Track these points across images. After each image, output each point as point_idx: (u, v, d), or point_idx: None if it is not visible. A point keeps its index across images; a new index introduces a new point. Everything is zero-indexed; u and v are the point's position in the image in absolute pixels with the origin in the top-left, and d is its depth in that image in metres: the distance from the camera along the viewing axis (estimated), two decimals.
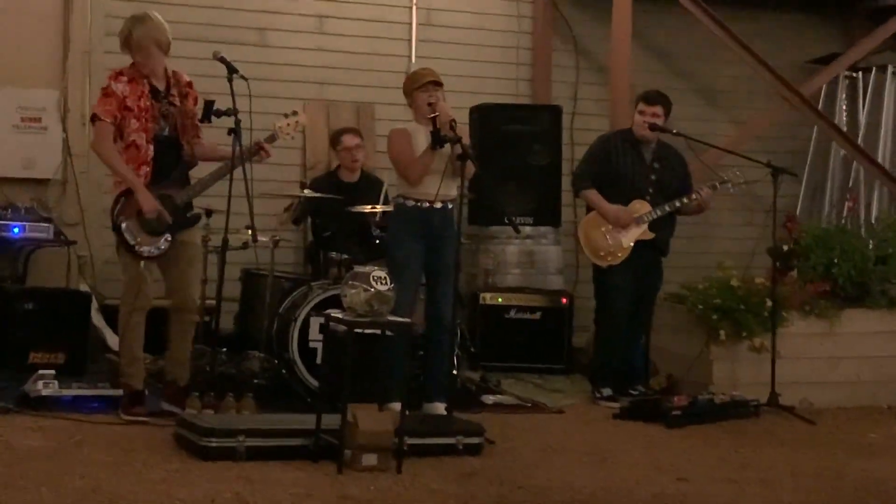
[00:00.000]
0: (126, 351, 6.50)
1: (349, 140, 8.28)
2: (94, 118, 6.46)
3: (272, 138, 6.59)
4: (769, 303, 7.59)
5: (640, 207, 7.63)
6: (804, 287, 7.96)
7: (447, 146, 6.67)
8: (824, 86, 10.16)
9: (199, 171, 6.64)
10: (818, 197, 10.44)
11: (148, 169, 6.41)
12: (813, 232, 8.34)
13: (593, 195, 7.69)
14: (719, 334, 7.60)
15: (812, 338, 7.87)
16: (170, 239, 6.46)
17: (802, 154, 10.42)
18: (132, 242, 6.39)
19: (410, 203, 6.85)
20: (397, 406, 6.13)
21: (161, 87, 6.49)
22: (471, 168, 6.66)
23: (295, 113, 6.71)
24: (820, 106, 10.07)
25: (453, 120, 6.65)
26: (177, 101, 6.50)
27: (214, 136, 6.68)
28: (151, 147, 6.41)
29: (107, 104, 6.40)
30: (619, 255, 7.61)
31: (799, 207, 10.21)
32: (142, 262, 6.41)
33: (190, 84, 6.59)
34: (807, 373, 7.78)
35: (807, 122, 10.14)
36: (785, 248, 8.08)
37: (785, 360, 7.57)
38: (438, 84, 6.83)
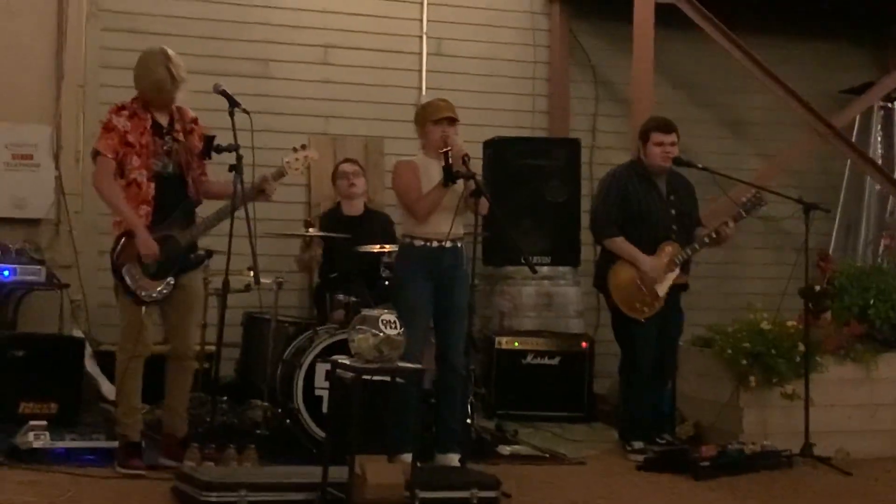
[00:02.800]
0: (123, 400, 6.51)
1: (346, 166, 8.34)
2: (96, 154, 6.49)
3: (280, 174, 6.58)
4: (802, 347, 7.56)
5: (672, 250, 7.57)
6: (839, 330, 7.93)
7: (459, 182, 6.69)
8: (858, 116, 10.17)
9: (203, 210, 6.67)
10: (852, 234, 10.43)
11: (148, 208, 6.43)
12: (847, 271, 8.32)
13: (623, 243, 7.53)
14: (749, 380, 7.57)
15: (848, 384, 7.83)
16: (172, 282, 6.47)
17: (835, 189, 10.42)
18: (133, 287, 6.41)
19: (419, 242, 6.85)
20: (408, 457, 6.11)
21: (164, 122, 6.53)
22: (485, 205, 6.68)
23: (304, 147, 6.67)
24: (853, 138, 10.08)
25: (466, 154, 6.67)
26: (181, 136, 6.54)
27: (215, 172, 6.71)
28: (153, 185, 6.44)
29: (108, 139, 6.43)
30: (656, 304, 7.52)
31: (832, 245, 10.20)
32: (143, 308, 6.42)
33: (195, 120, 6.63)
34: (842, 421, 7.74)
35: (839, 155, 10.15)
36: (818, 288, 8.05)
37: (819, 407, 7.54)
38: (455, 121, 6.86)
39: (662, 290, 7.54)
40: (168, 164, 6.51)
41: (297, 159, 6.60)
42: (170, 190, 6.49)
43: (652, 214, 7.59)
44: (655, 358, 7.61)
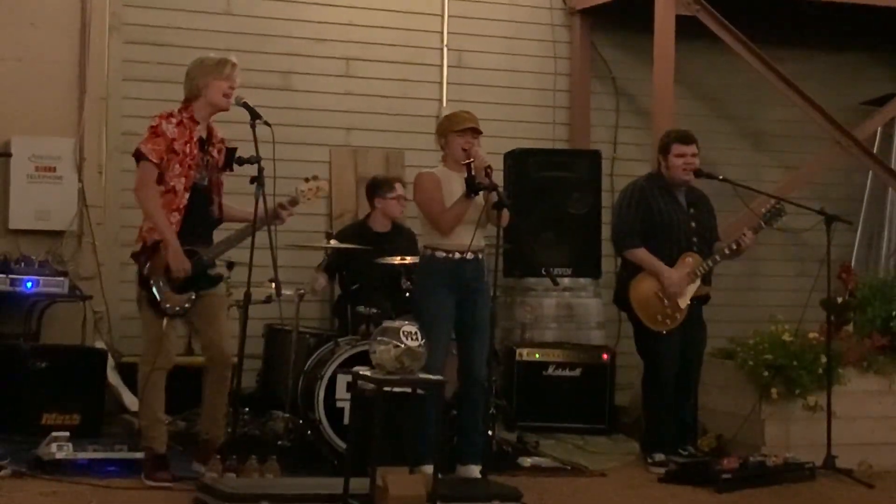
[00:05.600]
0: (147, 412, 6.51)
1: (402, 189, 8.27)
2: (140, 157, 6.44)
3: (293, 202, 6.64)
4: (824, 359, 7.54)
5: (692, 262, 7.54)
6: (861, 342, 7.91)
7: (481, 194, 6.69)
8: (880, 128, 10.14)
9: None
10: (874, 245, 10.40)
11: (179, 217, 6.42)
12: (870, 283, 8.30)
13: (644, 254, 7.51)
14: (771, 392, 7.55)
15: (870, 396, 7.81)
16: (194, 297, 6.48)
17: (857, 200, 10.39)
18: (160, 299, 6.42)
19: (441, 254, 6.85)
20: (429, 469, 6.11)
21: (205, 135, 6.55)
22: (506, 217, 6.68)
23: (316, 178, 6.72)
24: (875, 149, 10.04)
25: (489, 166, 6.68)
26: (214, 153, 6.56)
27: (238, 184, 6.72)
28: (187, 195, 6.44)
29: (155, 144, 6.40)
30: (678, 316, 7.50)
31: (854, 257, 10.17)
32: (164, 320, 6.43)
33: (223, 141, 6.63)
34: (865, 433, 7.71)
35: (861, 167, 10.12)
36: (840, 300, 8.04)
37: (841, 419, 7.51)
38: (479, 132, 6.86)
39: (684, 302, 7.51)
40: (204, 178, 6.52)
41: (310, 189, 6.66)
42: (200, 203, 6.50)
43: (673, 227, 7.57)
44: (679, 371, 7.59)
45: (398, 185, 8.28)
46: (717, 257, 7.59)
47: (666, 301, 7.49)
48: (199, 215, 6.50)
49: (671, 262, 7.53)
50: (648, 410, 7.71)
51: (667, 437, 7.56)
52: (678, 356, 7.56)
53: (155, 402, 6.48)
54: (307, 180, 6.69)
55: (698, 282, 7.54)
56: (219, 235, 6.71)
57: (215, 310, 6.60)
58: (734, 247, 7.59)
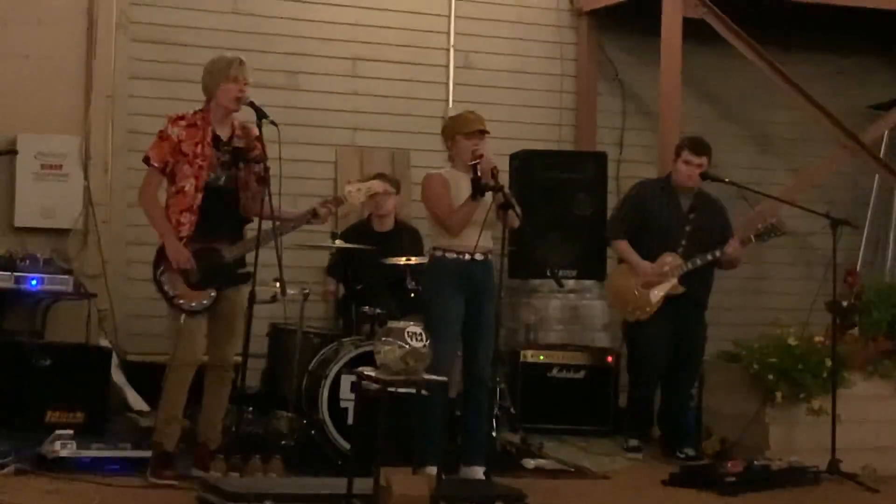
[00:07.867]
0: (166, 407, 6.48)
1: (375, 185, 8.29)
2: (145, 162, 6.51)
3: (338, 202, 6.67)
4: (829, 362, 7.54)
5: (671, 261, 7.70)
6: (866, 345, 7.90)
7: (488, 195, 6.69)
8: (886, 132, 10.13)
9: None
10: (880, 249, 10.40)
11: (193, 217, 6.40)
12: (875, 286, 8.29)
13: (623, 246, 7.87)
14: (776, 396, 7.55)
15: (875, 400, 7.80)
16: (214, 295, 6.47)
17: (863, 204, 10.39)
18: (171, 294, 6.42)
19: (450, 255, 6.83)
20: (433, 470, 6.11)
21: (224, 135, 6.52)
22: (514, 218, 6.68)
23: (369, 178, 6.82)
24: (882, 153, 10.04)
25: (496, 167, 6.68)
26: (238, 152, 6.52)
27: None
28: (200, 195, 6.42)
29: (159, 148, 6.43)
30: (647, 309, 7.75)
31: (860, 260, 10.16)
32: (182, 317, 6.43)
33: (258, 138, 6.53)
34: (870, 437, 7.71)
35: (868, 171, 10.12)
36: (845, 303, 8.03)
37: (846, 423, 7.50)
38: (486, 133, 6.85)
39: (655, 297, 7.72)
40: (221, 177, 6.49)
41: (358, 189, 6.68)
42: (220, 202, 6.46)
43: (663, 229, 7.79)
44: (671, 371, 7.81)
45: (373, 183, 8.28)
46: (698, 261, 7.75)
47: (637, 293, 7.74)
48: (220, 214, 6.47)
49: (653, 261, 7.76)
50: (630, 396, 8.01)
51: (642, 423, 7.91)
52: (661, 350, 7.78)
53: (175, 399, 6.46)
54: (349, 182, 6.77)
55: (673, 281, 7.70)
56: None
57: (231, 314, 6.56)
58: (717, 254, 7.71)
